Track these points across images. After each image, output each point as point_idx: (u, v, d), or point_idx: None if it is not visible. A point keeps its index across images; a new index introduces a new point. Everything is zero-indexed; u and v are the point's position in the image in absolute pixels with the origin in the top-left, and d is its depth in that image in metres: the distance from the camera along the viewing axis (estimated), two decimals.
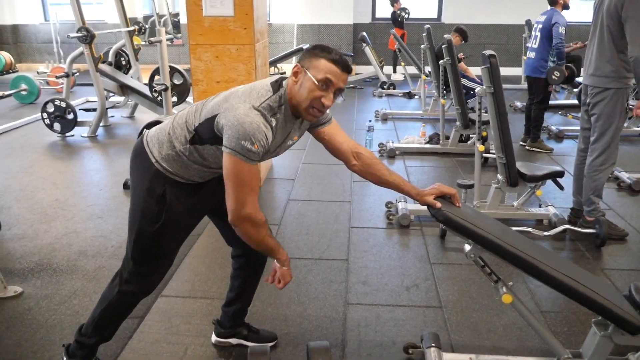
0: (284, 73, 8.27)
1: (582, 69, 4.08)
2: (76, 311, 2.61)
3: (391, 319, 2.56)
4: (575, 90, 7.94)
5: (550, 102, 5.85)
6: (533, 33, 5.51)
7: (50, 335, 2.41)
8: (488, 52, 3.25)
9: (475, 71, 6.66)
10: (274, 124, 1.72)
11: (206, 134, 1.75)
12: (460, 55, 6.39)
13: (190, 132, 1.78)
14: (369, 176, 2.00)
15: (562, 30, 5.13)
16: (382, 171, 1.99)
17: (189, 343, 2.37)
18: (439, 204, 1.88)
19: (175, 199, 1.85)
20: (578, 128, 6.04)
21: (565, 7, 5.30)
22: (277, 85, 1.77)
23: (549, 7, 5.31)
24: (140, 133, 4.27)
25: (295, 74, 1.73)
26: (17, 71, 10.20)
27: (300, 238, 3.44)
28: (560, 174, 3.46)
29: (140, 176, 1.87)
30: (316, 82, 1.69)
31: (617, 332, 1.88)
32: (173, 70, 5.73)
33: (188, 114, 1.83)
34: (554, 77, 5.21)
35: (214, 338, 2.34)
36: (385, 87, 8.91)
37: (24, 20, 11.56)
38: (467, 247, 1.95)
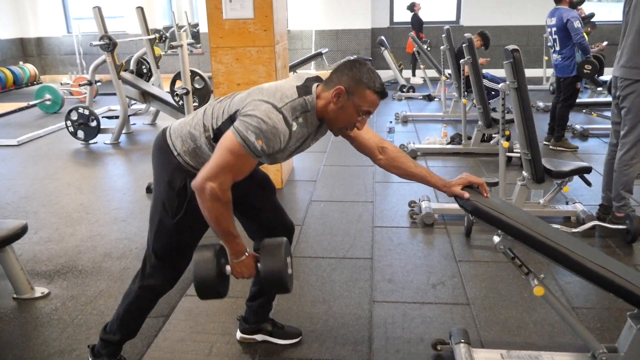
0: None
1: (606, 67, 3.98)
2: (102, 311, 2.62)
3: (418, 316, 2.51)
4: (599, 89, 7.82)
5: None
6: (550, 37, 5.41)
7: (77, 335, 2.42)
8: (511, 46, 3.21)
9: (495, 73, 6.60)
10: (294, 128, 1.71)
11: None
12: (482, 60, 6.27)
13: (214, 130, 1.78)
14: (395, 170, 2.00)
15: (577, 24, 5.00)
16: (408, 164, 1.99)
17: (214, 341, 2.35)
18: (467, 194, 1.84)
19: None
20: (602, 126, 6.00)
21: (572, 4, 5.21)
22: (303, 89, 1.75)
23: (555, 6, 5.23)
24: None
25: (337, 95, 1.71)
26: (41, 83, 10.40)
27: (324, 238, 3.41)
28: (588, 170, 3.39)
29: (162, 169, 1.88)
30: (360, 113, 1.73)
31: None
32: (194, 75, 5.77)
33: (213, 110, 1.82)
34: (585, 70, 5.03)
35: (238, 335, 2.33)
36: (404, 90, 8.88)
37: (47, 33, 11.78)
38: (496, 239, 1.91)
